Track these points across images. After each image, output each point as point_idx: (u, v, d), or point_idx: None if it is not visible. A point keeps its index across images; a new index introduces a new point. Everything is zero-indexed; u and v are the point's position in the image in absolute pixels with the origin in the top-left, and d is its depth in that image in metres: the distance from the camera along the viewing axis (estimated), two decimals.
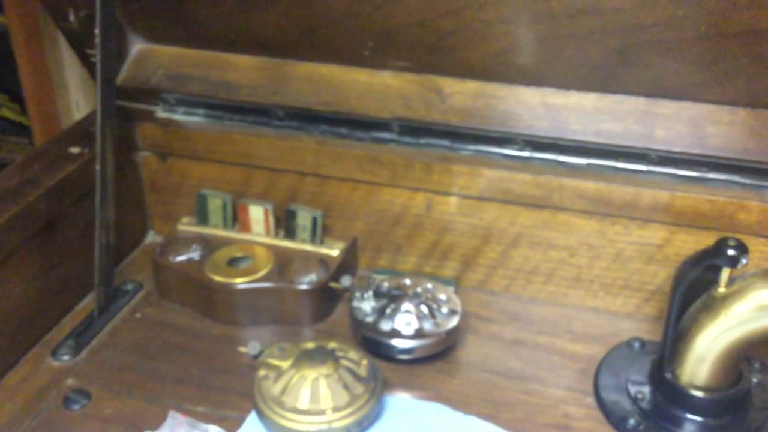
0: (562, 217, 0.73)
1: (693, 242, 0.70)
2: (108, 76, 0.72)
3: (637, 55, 0.65)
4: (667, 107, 0.69)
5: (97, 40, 0.69)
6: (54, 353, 0.71)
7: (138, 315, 0.76)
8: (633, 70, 0.67)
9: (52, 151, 0.77)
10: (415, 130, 0.76)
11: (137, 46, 0.80)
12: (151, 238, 0.87)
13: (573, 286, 0.76)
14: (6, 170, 0.74)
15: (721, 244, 0.60)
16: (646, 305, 0.75)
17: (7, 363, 0.70)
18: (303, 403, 0.61)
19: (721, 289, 0.61)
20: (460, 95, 0.73)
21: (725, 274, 0.61)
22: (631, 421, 0.64)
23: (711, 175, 0.70)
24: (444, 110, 0.74)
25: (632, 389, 0.67)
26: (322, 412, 0.60)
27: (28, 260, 0.71)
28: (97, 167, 0.72)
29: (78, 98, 1.12)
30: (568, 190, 0.72)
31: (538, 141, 0.73)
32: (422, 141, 0.76)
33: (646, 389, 0.66)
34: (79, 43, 0.77)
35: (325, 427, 0.60)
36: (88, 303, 0.77)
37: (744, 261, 0.59)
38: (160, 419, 0.55)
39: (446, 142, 0.76)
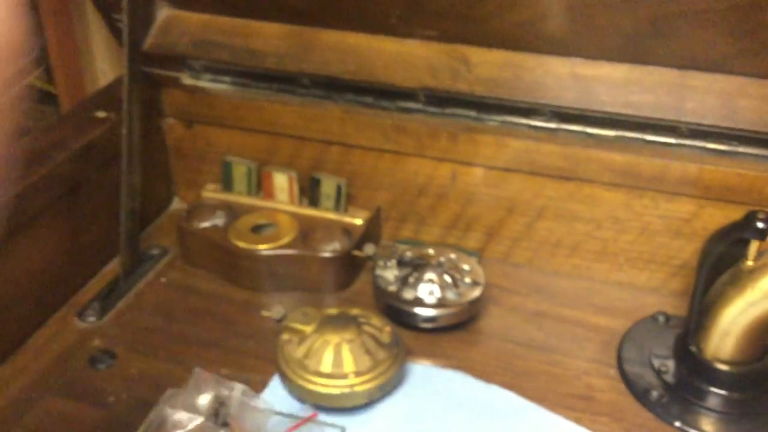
0: (589, 189, 0.73)
1: (721, 216, 0.69)
2: (135, 40, 0.73)
3: (669, 25, 0.64)
4: (698, 79, 0.68)
5: (125, 4, 0.70)
6: (80, 315, 0.72)
7: (163, 279, 0.77)
8: (665, 41, 0.66)
9: (79, 115, 0.77)
10: (441, 99, 0.75)
11: (164, 12, 0.80)
12: (176, 204, 0.87)
13: (598, 259, 0.76)
14: (33, 133, 0.75)
15: (750, 217, 0.59)
16: (672, 280, 0.74)
17: (35, 323, 0.70)
18: (326, 366, 0.61)
19: (749, 263, 0.60)
20: (486, 65, 0.73)
21: (753, 247, 0.60)
22: (655, 393, 0.64)
23: (741, 149, 0.69)
24: (470, 80, 0.73)
25: (656, 362, 0.66)
26: (344, 376, 0.60)
27: (55, 223, 0.72)
28: (124, 131, 0.72)
29: (104, 67, 1.12)
30: (596, 162, 0.71)
31: (566, 112, 0.72)
32: (448, 111, 0.76)
33: (670, 362, 0.66)
34: (107, 8, 0.78)
35: (347, 390, 0.60)
36: (113, 267, 0.77)
37: None
38: (185, 379, 0.55)
39: (472, 113, 0.75)
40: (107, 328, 0.71)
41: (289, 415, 0.48)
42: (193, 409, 0.46)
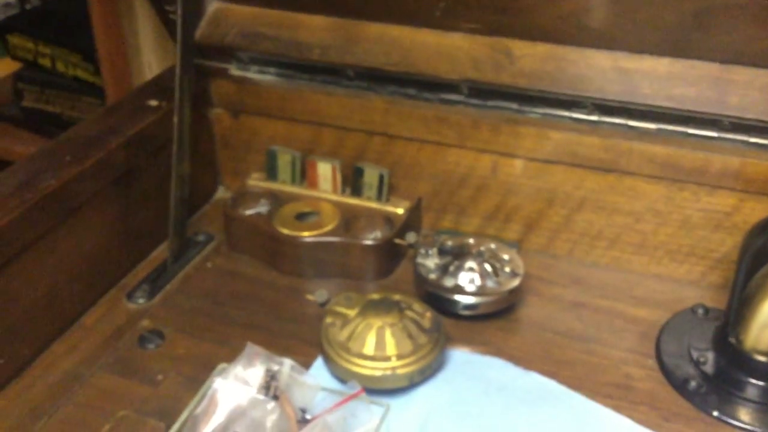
0: (629, 181, 0.73)
1: (762, 210, 0.70)
2: (187, 31, 0.74)
3: (713, 19, 0.65)
4: (741, 74, 0.68)
5: None
6: (129, 296, 0.74)
7: (209, 264, 0.79)
8: (708, 35, 0.67)
9: (131, 103, 0.79)
10: (483, 92, 0.77)
11: (213, 5, 0.82)
12: (221, 193, 0.89)
13: (637, 252, 0.76)
14: (87, 120, 0.77)
15: None
16: (711, 273, 0.74)
17: (86, 303, 0.73)
18: (368, 349, 0.62)
19: None
20: (529, 58, 0.74)
21: None
22: (693, 384, 0.64)
23: None
24: (513, 72, 0.74)
25: (695, 353, 0.67)
26: (386, 359, 0.62)
27: (108, 206, 0.74)
28: (175, 119, 0.74)
29: (151, 60, 1.15)
30: (637, 154, 0.72)
31: (608, 105, 0.73)
32: (490, 103, 0.77)
33: (709, 354, 0.66)
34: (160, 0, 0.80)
35: (389, 372, 0.61)
36: (161, 251, 0.80)
37: None
38: (231, 359, 0.57)
39: (514, 105, 0.76)
40: (156, 310, 0.73)
41: (337, 391, 0.49)
42: (245, 382, 0.48)
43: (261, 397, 0.47)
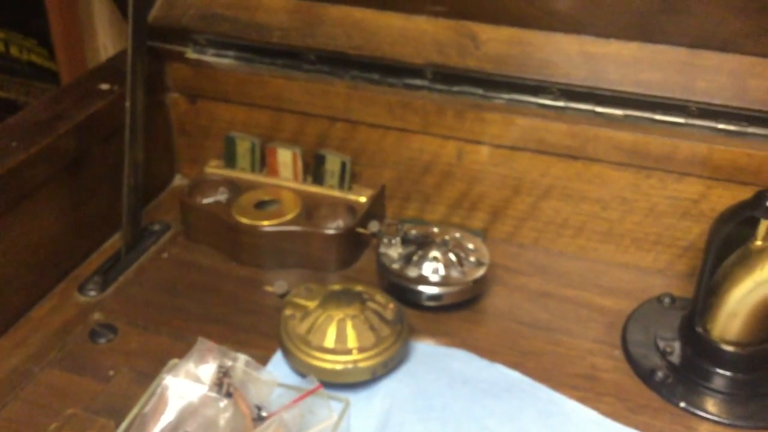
0: (596, 168, 0.72)
1: (729, 198, 0.69)
2: (139, 11, 0.72)
3: (679, 2, 0.64)
4: (709, 59, 0.67)
5: None
6: (81, 288, 0.71)
7: (165, 255, 0.76)
8: (676, 19, 0.66)
9: (82, 87, 0.76)
10: (448, 76, 0.75)
11: None
12: (179, 181, 0.87)
13: (603, 240, 0.75)
14: (36, 104, 0.74)
15: (760, 196, 0.59)
16: (677, 262, 0.73)
17: (35, 296, 0.70)
18: (329, 342, 0.60)
19: (758, 242, 0.60)
20: (495, 42, 0.72)
21: (763, 226, 0.60)
22: (659, 374, 0.63)
23: (751, 129, 0.68)
24: (478, 57, 0.73)
25: (661, 343, 0.66)
26: (348, 352, 0.60)
27: (57, 195, 0.71)
28: (127, 104, 0.71)
29: (106, 43, 1.11)
30: (604, 140, 0.70)
31: (575, 90, 0.71)
32: (455, 88, 0.75)
33: (676, 344, 0.65)
34: None
35: (350, 366, 0.60)
36: (115, 241, 0.77)
37: None
38: (187, 354, 0.55)
39: (479, 90, 0.74)
40: (108, 303, 0.70)
41: (294, 387, 0.47)
42: (197, 379, 0.46)
43: (213, 394, 0.45)
